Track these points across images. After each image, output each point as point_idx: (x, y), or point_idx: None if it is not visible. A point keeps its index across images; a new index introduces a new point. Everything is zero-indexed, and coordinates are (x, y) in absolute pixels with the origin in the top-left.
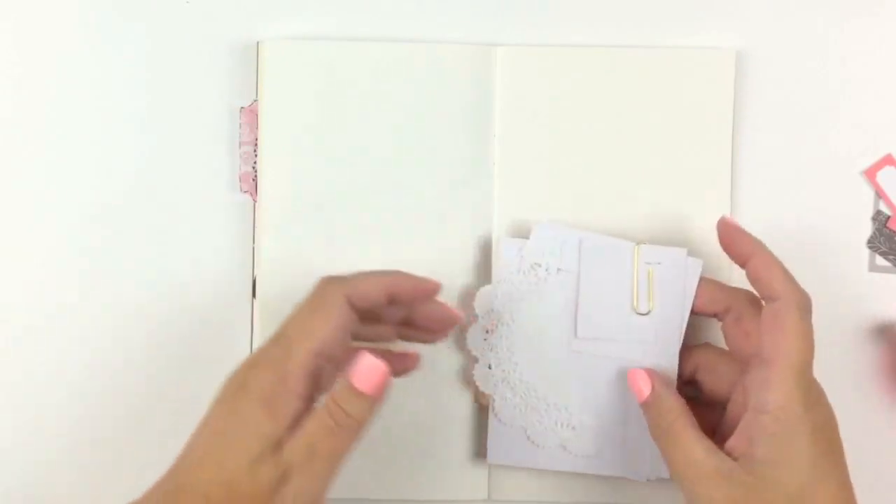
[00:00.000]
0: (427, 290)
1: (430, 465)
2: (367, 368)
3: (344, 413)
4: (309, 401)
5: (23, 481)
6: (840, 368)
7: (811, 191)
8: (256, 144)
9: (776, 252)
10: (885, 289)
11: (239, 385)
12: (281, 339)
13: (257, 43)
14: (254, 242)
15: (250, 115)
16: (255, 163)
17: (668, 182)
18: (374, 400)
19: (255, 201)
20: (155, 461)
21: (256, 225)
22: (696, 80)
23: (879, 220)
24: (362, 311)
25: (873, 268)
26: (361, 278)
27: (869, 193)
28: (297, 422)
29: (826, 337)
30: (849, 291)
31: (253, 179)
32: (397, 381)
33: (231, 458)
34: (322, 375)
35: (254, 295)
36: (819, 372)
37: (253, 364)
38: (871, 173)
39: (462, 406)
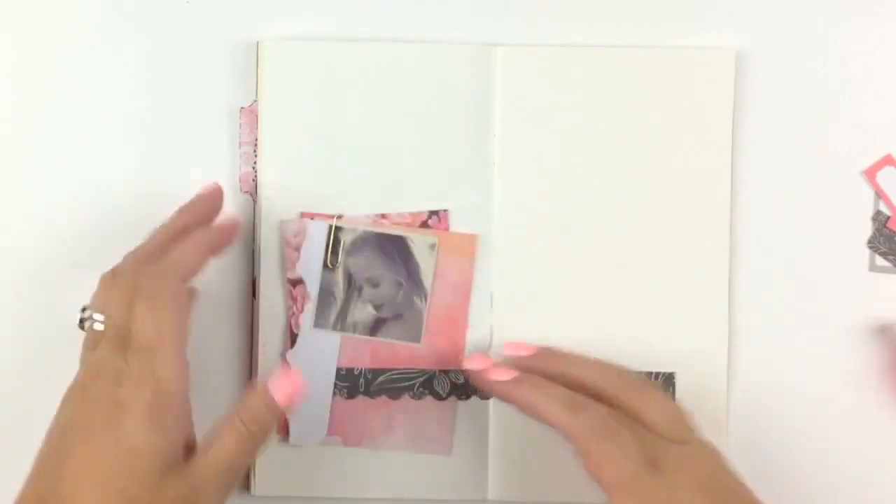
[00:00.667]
0: (214, 196)
1: (430, 464)
2: (285, 381)
3: (259, 426)
4: (185, 402)
5: None
6: (840, 368)
7: (811, 191)
8: (256, 145)
9: (778, 251)
10: (885, 289)
11: (114, 405)
12: (139, 349)
13: (257, 43)
14: (254, 242)
15: (250, 115)
16: (255, 163)
17: (668, 182)
18: (287, 409)
19: (255, 201)
20: None
21: (256, 225)
22: (696, 81)
23: (879, 220)
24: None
25: (873, 268)
26: (182, 254)
27: (869, 193)
28: (185, 432)
29: (826, 337)
30: (849, 291)
31: (253, 180)
32: None
33: (131, 485)
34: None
35: (254, 295)
36: (819, 372)
37: (118, 381)
38: (870, 173)
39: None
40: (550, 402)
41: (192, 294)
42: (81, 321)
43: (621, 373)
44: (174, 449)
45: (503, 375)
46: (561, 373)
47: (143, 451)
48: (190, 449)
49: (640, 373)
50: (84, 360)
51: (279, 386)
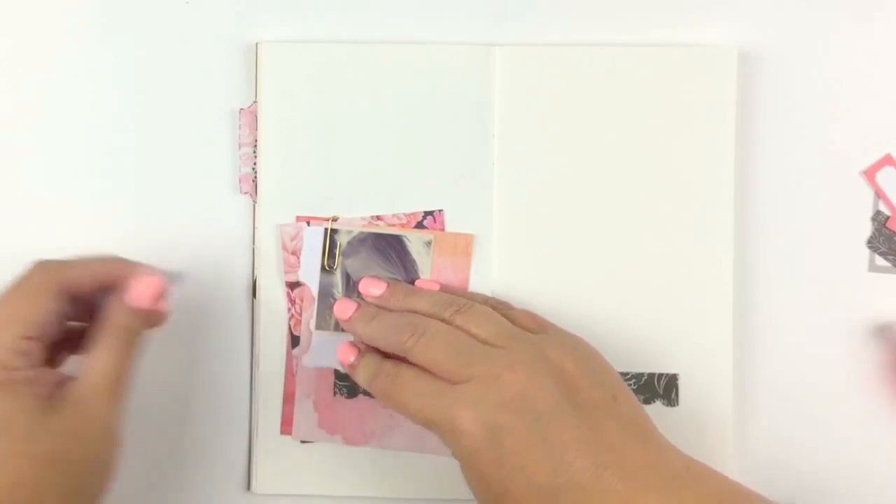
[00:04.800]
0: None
1: (431, 463)
2: (139, 286)
3: (129, 331)
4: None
5: None
6: (840, 368)
7: (811, 191)
8: (256, 146)
9: (778, 251)
10: (884, 289)
11: None
12: None
13: (256, 44)
14: (254, 243)
15: (249, 116)
16: (254, 164)
17: (670, 182)
18: (152, 315)
19: (254, 202)
20: (154, 461)
21: (256, 226)
22: (698, 79)
23: (879, 220)
24: (77, 297)
25: (873, 268)
26: (76, 265)
27: (868, 193)
28: (28, 390)
29: (826, 337)
30: (848, 291)
31: (253, 181)
32: None
33: (7, 448)
34: (34, 353)
35: (254, 295)
36: (819, 372)
37: None
38: (870, 173)
39: None
40: (377, 330)
41: (57, 299)
42: None
43: (443, 298)
44: (28, 400)
45: (343, 313)
46: (401, 306)
47: (2, 415)
48: (63, 384)
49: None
50: None
51: (134, 291)
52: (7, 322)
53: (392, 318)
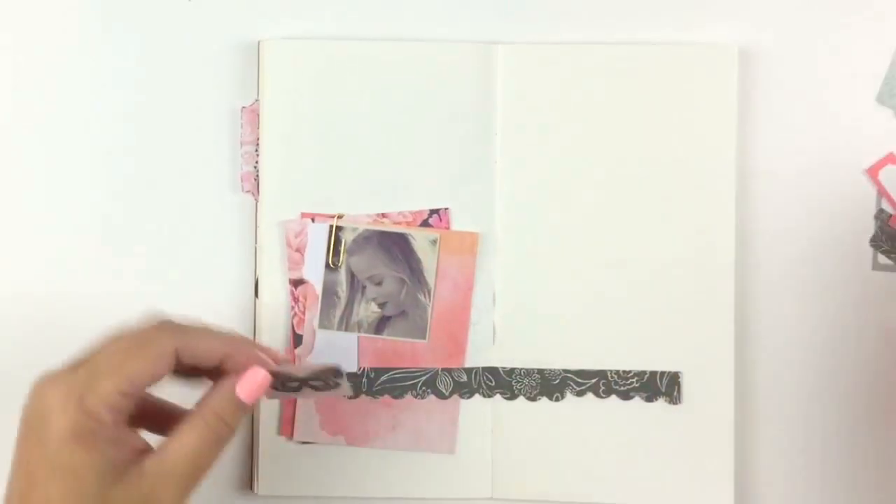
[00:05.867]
0: (264, 364)
1: (434, 463)
2: (254, 381)
3: (224, 425)
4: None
5: None
6: (842, 367)
7: (813, 189)
8: (258, 144)
9: (781, 250)
10: (887, 287)
11: (40, 420)
12: (88, 367)
13: (258, 42)
14: (256, 242)
15: (251, 114)
16: (256, 162)
17: (672, 180)
18: (251, 409)
19: (256, 201)
20: None
21: (258, 224)
22: (699, 77)
23: (882, 218)
24: (186, 365)
25: (876, 266)
26: (200, 335)
27: (871, 192)
28: (112, 450)
29: (828, 335)
30: (851, 290)
31: (255, 179)
32: None
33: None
34: (125, 412)
35: (256, 295)
36: (821, 370)
37: (49, 391)
38: (873, 172)
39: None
40: None
41: (169, 365)
42: None
43: None
44: (107, 461)
45: None
46: None
47: (71, 462)
48: (143, 452)
49: None
50: None
51: (247, 381)
52: (112, 372)
53: None
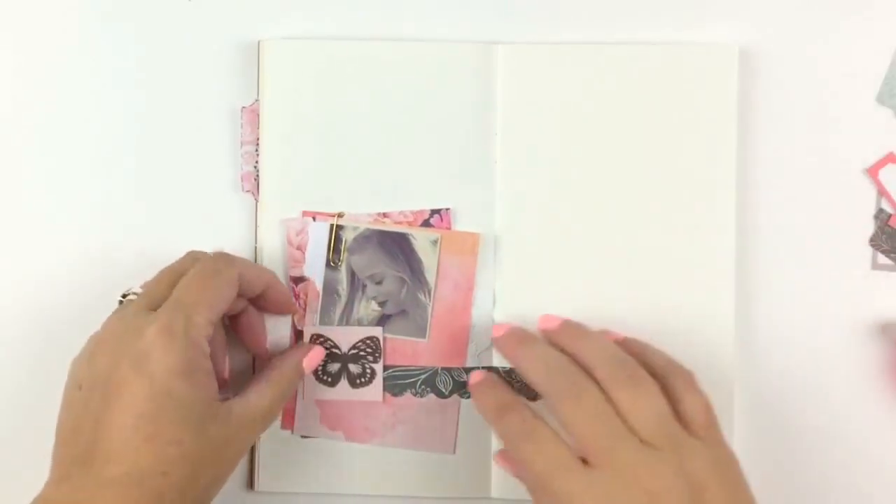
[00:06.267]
0: (288, 308)
1: (433, 461)
2: (318, 357)
3: (290, 384)
4: (209, 357)
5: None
6: (842, 367)
7: (813, 189)
8: (258, 144)
9: (781, 249)
10: (887, 287)
11: (142, 355)
12: (180, 307)
13: (258, 42)
14: (256, 242)
15: (251, 114)
16: (256, 162)
17: (672, 180)
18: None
19: (257, 201)
20: None
21: (259, 224)
22: (699, 77)
23: (881, 218)
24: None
25: (875, 266)
26: (250, 265)
27: (871, 191)
28: (215, 380)
29: (828, 335)
30: (851, 289)
31: (255, 179)
32: None
33: (173, 429)
34: (210, 338)
35: None
36: (821, 370)
37: (140, 333)
38: (873, 171)
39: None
40: (528, 359)
41: (235, 290)
42: (123, 296)
43: (614, 359)
44: (207, 395)
45: (497, 331)
46: (568, 347)
47: (179, 395)
48: (223, 385)
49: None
50: (104, 324)
51: (312, 355)
52: (201, 305)
53: (551, 356)
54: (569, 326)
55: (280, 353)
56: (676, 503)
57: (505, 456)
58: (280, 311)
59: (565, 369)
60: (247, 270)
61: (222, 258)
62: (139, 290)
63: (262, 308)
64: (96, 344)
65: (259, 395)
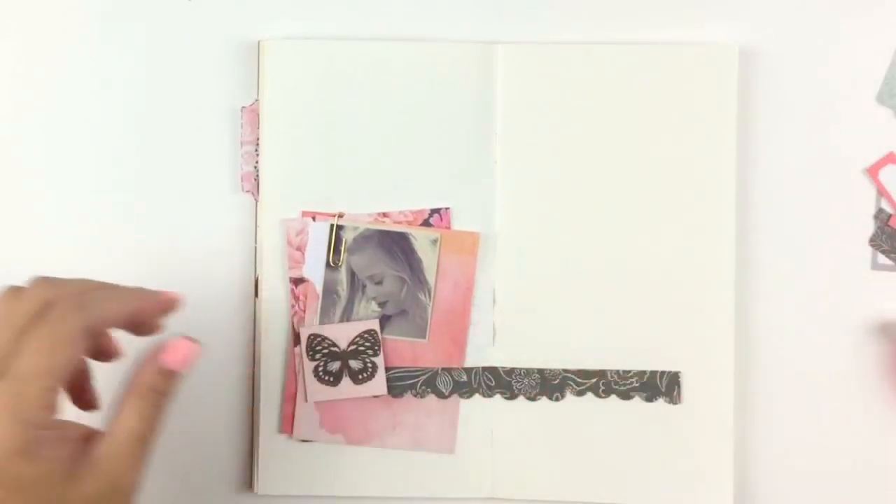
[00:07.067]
0: (168, 306)
1: (433, 462)
2: (179, 351)
3: (162, 395)
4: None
5: None
6: (842, 367)
7: (813, 189)
8: (258, 144)
9: (781, 250)
10: (887, 287)
11: None
12: (12, 377)
13: (258, 42)
14: (256, 242)
15: (251, 114)
16: (256, 162)
17: (672, 180)
18: (185, 373)
19: (256, 201)
20: (155, 461)
21: (258, 224)
22: (700, 77)
23: (881, 218)
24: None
25: (875, 266)
26: (102, 305)
27: (871, 191)
28: (62, 450)
29: (828, 335)
30: (851, 289)
31: (255, 179)
32: None
33: None
34: (58, 404)
35: (256, 294)
36: (821, 370)
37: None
38: (873, 171)
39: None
40: None
41: (85, 345)
42: None
43: None
44: (61, 465)
45: None
46: None
47: (28, 477)
48: (88, 438)
49: None
50: None
51: (171, 352)
52: (35, 374)
53: None
54: None
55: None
56: None
57: None
58: (155, 321)
59: None
60: (102, 315)
61: (67, 310)
62: None
63: (137, 331)
64: None
65: (121, 426)
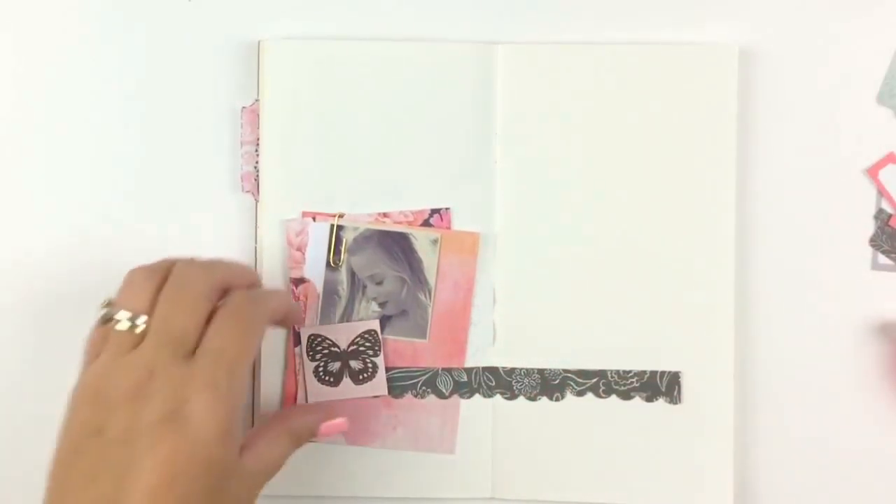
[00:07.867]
0: (299, 321)
1: (434, 462)
2: (339, 428)
3: (300, 442)
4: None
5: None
6: (842, 367)
7: (813, 189)
8: (258, 144)
9: (781, 250)
10: (887, 287)
11: (178, 413)
12: (222, 360)
13: (258, 42)
14: (256, 242)
15: (251, 114)
16: (256, 162)
17: (672, 180)
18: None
19: (257, 201)
20: None
21: (259, 224)
22: (699, 77)
23: (881, 218)
24: None
25: (875, 266)
26: (269, 300)
27: (871, 192)
28: (239, 442)
29: (828, 335)
30: (851, 290)
31: (255, 179)
32: None
33: (202, 493)
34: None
35: None
36: (821, 370)
37: (203, 388)
38: (873, 172)
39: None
40: None
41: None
42: (107, 320)
43: None
44: (237, 456)
45: None
46: None
47: (218, 460)
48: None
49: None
50: (115, 361)
51: (331, 427)
52: (246, 354)
53: None
54: None
55: (299, 405)
56: None
57: None
58: (289, 325)
59: None
60: (276, 305)
61: (256, 304)
62: (140, 319)
63: (277, 325)
64: (111, 383)
65: (269, 452)
